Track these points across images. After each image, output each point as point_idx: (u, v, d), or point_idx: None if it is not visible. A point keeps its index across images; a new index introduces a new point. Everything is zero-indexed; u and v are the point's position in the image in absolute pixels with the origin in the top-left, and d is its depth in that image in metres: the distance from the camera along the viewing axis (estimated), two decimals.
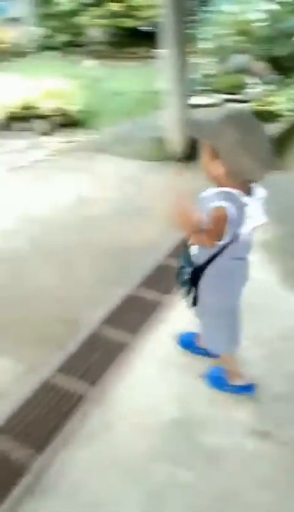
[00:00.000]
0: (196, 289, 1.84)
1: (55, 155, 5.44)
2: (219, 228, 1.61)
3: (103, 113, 6.42)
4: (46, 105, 6.20)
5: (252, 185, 1.70)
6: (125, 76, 8.55)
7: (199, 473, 1.80)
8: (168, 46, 4.52)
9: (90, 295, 2.86)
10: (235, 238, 1.68)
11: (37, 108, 6.24)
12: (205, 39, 7.88)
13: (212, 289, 1.84)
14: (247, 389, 2.11)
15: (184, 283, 1.87)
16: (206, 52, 7.76)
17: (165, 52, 4.58)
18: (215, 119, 1.61)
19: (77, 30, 11.75)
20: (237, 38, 8.06)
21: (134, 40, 10.73)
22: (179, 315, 2.52)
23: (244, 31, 8.08)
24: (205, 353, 2.19)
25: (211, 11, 8.41)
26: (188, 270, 1.83)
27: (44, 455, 1.90)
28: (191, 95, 5.44)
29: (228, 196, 1.60)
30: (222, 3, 8.47)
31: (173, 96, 4.74)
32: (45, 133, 6.09)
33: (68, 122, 6.29)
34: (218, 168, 1.61)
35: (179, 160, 2.04)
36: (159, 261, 3.16)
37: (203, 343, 2.14)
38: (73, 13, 10.76)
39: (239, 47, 8.00)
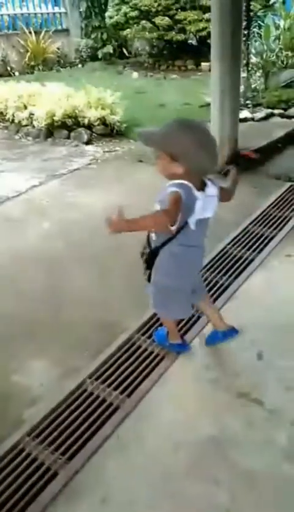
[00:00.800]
0: (150, 268, 2.11)
1: (96, 163, 5.50)
2: (175, 208, 1.77)
3: (145, 124, 6.46)
4: (90, 114, 6.28)
5: (206, 181, 1.92)
6: (170, 89, 8.59)
7: (233, 495, 1.74)
8: (217, 60, 4.48)
9: (126, 302, 2.85)
10: (183, 226, 1.89)
11: (81, 117, 6.33)
12: (254, 53, 7.87)
13: (161, 270, 2.09)
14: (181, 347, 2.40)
15: (144, 262, 2.13)
16: (255, 67, 7.74)
17: (215, 66, 4.54)
18: (168, 128, 1.85)
19: (123, 43, 11.94)
20: (287, 53, 8.01)
21: (179, 53, 10.77)
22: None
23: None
24: (227, 334, 2.42)
25: (261, 26, 8.40)
26: (147, 251, 2.09)
27: (74, 461, 1.89)
28: (240, 109, 5.40)
29: (181, 186, 1.82)
30: (272, 17, 8.44)
31: (222, 110, 4.67)
32: (87, 142, 6.16)
33: (110, 132, 6.35)
34: (178, 169, 1.83)
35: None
36: None
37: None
38: (120, 25, 10.91)
39: (288, 62, 7.94)
